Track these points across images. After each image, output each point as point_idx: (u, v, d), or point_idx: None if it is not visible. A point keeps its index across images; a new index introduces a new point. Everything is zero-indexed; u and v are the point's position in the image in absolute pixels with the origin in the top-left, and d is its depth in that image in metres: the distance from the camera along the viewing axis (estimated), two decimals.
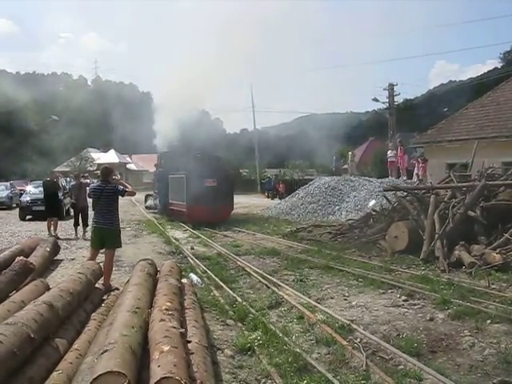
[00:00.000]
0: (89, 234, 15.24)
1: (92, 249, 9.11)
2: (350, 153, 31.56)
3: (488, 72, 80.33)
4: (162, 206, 25.79)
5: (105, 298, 7.67)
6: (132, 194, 9.42)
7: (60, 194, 19.16)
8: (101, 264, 8.69)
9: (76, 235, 16.72)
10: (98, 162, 64.72)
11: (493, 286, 8.71)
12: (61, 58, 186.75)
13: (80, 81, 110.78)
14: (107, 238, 8.72)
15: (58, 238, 15.49)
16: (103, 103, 73.86)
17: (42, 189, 19.42)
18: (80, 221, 16.78)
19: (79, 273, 7.45)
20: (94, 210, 8.90)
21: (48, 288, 7.15)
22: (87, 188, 16.64)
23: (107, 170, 9.04)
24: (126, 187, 9.11)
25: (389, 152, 28.24)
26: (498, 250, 10.44)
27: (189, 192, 21.03)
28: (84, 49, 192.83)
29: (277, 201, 31.68)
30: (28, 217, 23.24)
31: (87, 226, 16.10)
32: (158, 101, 40.35)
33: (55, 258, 12.02)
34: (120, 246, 9.22)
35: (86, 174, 20.85)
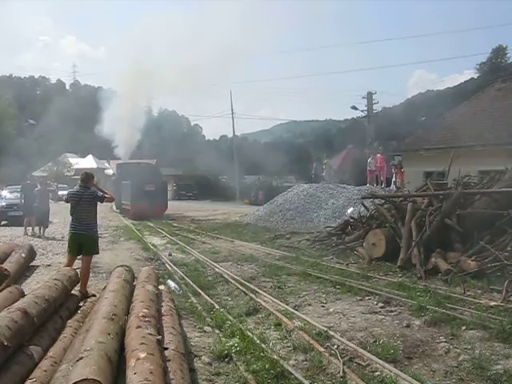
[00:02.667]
0: (48, 233, 18.27)
1: (69, 255, 9.01)
2: (325, 161, 31.80)
3: (465, 82, 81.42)
4: (117, 205, 31.90)
5: (81, 304, 7.61)
6: (111, 200, 9.43)
7: None
8: (77, 270, 8.61)
9: (38, 234, 18.32)
10: (75, 167, 64.14)
11: (468, 293, 8.82)
12: (38, 61, 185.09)
13: (58, 85, 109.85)
14: (84, 244, 8.64)
15: (34, 236, 17.93)
16: (81, 108, 73.50)
17: (17, 194, 20.29)
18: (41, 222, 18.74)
19: (55, 279, 7.36)
20: (71, 215, 8.79)
21: (23, 294, 7.06)
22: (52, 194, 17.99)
23: (87, 176, 8.97)
24: (105, 193, 9.06)
25: (369, 160, 28.39)
26: (473, 258, 10.57)
27: (133, 194, 27.56)
28: (62, 52, 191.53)
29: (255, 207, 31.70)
30: (3, 222, 22.95)
31: (47, 227, 18.81)
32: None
33: (31, 264, 11.90)
34: (97, 253, 9.17)
35: (49, 182, 22.54)
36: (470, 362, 5.82)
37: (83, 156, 72.95)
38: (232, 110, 57.62)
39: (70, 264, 8.83)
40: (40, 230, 18.46)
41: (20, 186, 21.40)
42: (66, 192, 44.35)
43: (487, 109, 23.69)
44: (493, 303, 8.03)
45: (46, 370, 4.74)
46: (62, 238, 17.15)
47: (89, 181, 8.89)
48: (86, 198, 8.64)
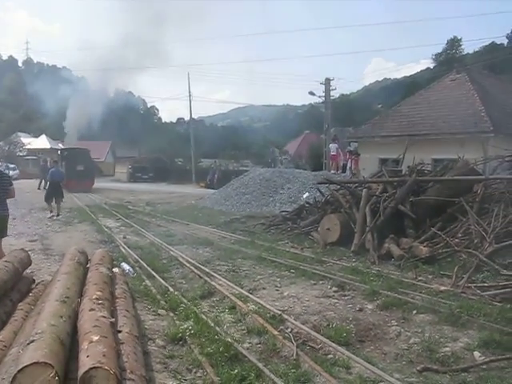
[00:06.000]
0: None
1: None
2: (271, 149, 32.04)
3: (421, 71, 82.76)
4: None
5: (33, 287, 7.46)
6: (12, 195, 9.37)
7: None
8: (29, 252, 8.41)
9: None
10: (28, 147, 62.55)
11: (419, 278, 9.00)
12: None
13: (10, 61, 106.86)
14: (3, 226, 8.57)
15: None
16: (35, 86, 71.59)
17: None
18: None
19: (5, 261, 7.18)
20: None
21: None
22: None
23: None
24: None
25: (331, 145, 28.49)
26: (425, 244, 10.79)
27: (67, 173, 31.76)
28: (13, 27, 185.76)
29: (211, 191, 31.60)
30: None
31: None
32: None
33: None
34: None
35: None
36: (419, 344, 5.97)
37: (36, 136, 71.07)
38: (189, 92, 57.07)
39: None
40: None
41: None
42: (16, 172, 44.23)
43: (442, 99, 24.20)
44: (443, 288, 8.22)
45: None
46: (14, 219, 16.80)
47: None
48: (4, 180, 8.57)
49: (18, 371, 3.49)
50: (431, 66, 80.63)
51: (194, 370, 5.27)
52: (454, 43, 75.63)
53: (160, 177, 53.93)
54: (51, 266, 9.62)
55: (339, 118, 50.95)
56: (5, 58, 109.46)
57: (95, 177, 40.55)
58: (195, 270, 9.99)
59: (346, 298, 8.08)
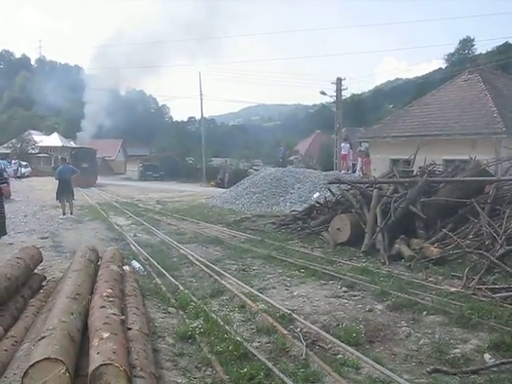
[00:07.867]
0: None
1: None
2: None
3: (433, 71, 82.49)
4: None
5: (44, 283, 7.51)
6: (6, 193, 9.48)
7: None
8: (40, 249, 8.48)
9: None
10: (40, 144, 62.85)
11: (430, 279, 8.95)
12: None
13: (23, 60, 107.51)
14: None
15: None
16: (48, 85, 71.93)
17: None
18: None
19: (17, 258, 7.24)
20: None
21: None
22: None
23: None
24: None
25: (342, 144, 28.40)
26: (435, 244, 10.74)
27: None
28: (26, 26, 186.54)
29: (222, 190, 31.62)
30: None
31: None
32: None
33: None
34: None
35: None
36: (429, 345, 5.94)
37: (48, 134, 71.38)
38: (201, 91, 57.15)
39: None
40: None
41: None
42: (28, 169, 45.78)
43: (454, 99, 24.07)
44: (453, 289, 8.18)
45: (6, 350, 4.66)
46: (25, 216, 16.90)
47: None
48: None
49: (30, 367, 3.52)
50: (443, 66, 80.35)
51: (204, 369, 5.29)
52: (467, 43, 75.41)
53: (170, 175, 54.11)
54: (62, 263, 9.67)
55: (350, 118, 50.81)
56: (18, 56, 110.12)
57: (98, 174, 45.95)
58: (205, 269, 10.01)
59: (356, 298, 8.05)
